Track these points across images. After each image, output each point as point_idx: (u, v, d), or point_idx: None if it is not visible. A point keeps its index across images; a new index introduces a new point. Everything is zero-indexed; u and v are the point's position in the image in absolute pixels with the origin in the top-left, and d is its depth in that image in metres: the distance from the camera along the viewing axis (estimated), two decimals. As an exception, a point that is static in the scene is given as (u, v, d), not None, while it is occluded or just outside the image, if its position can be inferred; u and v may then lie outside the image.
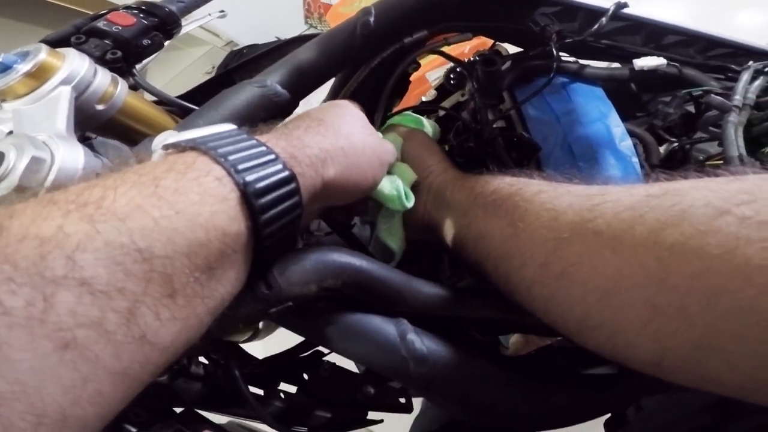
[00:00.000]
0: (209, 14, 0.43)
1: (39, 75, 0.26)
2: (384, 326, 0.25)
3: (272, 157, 0.19)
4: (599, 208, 0.21)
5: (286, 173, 0.19)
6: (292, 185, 0.20)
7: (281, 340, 0.37)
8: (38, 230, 0.13)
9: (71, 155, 0.23)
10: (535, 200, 0.25)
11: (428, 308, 0.27)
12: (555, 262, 0.22)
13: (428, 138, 0.36)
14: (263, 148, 0.20)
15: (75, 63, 0.28)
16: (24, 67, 0.26)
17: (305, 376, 0.35)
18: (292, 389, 0.35)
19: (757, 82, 0.35)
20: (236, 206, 0.17)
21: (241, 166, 0.18)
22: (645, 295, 0.18)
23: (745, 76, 0.35)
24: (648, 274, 0.18)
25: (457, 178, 0.32)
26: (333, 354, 0.35)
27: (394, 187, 0.31)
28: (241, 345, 0.36)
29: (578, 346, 0.33)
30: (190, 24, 0.40)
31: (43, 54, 0.27)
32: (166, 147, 0.19)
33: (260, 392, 0.34)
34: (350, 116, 0.28)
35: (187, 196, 0.16)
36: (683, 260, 0.17)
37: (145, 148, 0.20)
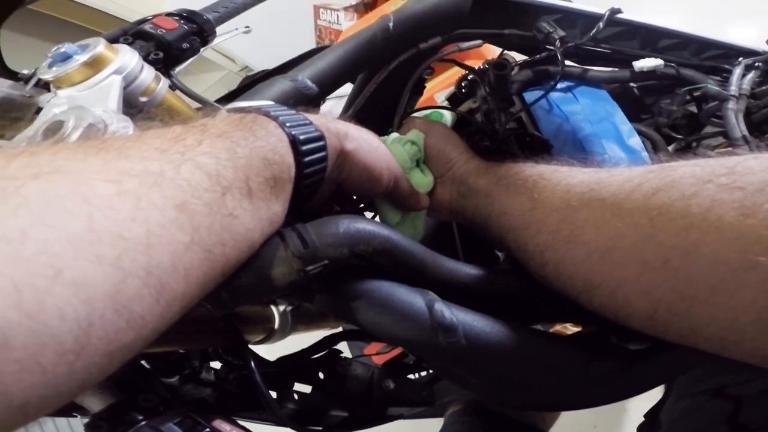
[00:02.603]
0: (236, 29, 0.47)
1: (95, 65, 0.29)
2: (411, 296, 0.25)
3: (307, 122, 0.25)
4: (605, 181, 0.24)
5: (317, 133, 0.24)
6: (322, 142, 0.25)
7: (290, 347, 0.37)
8: (166, 133, 0.19)
9: (123, 128, 0.24)
10: (552, 177, 0.28)
11: (452, 281, 0.27)
12: (564, 228, 0.24)
13: (449, 130, 0.38)
14: (301, 116, 0.25)
15: (126, 57, 0.30)
16: (83, 57, 0.28)
17: (320, 375, 0.34)
18: (307, 389, 0.34)
19: (750, 75, 0.38)
20: (289, 145, 0.23)
21: (288, 124, 0.23)
22: (637, 251, 0.20)
23: (738, 70, 0.38)
24: (640, 231, 0.20)
25: (480, 167, 0.34)
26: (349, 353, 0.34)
27: (427, 179, 0.35)
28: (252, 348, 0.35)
29: (606, 330, 0.33)
30: (221, 36, 0.43)
31: (101, 46, 0.29)
32: (230, 109, 0.25)
33: (273, 394, 0.33)
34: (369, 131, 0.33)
35: (260, 130, 0.22)
36: (669, 218, 0.19)
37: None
